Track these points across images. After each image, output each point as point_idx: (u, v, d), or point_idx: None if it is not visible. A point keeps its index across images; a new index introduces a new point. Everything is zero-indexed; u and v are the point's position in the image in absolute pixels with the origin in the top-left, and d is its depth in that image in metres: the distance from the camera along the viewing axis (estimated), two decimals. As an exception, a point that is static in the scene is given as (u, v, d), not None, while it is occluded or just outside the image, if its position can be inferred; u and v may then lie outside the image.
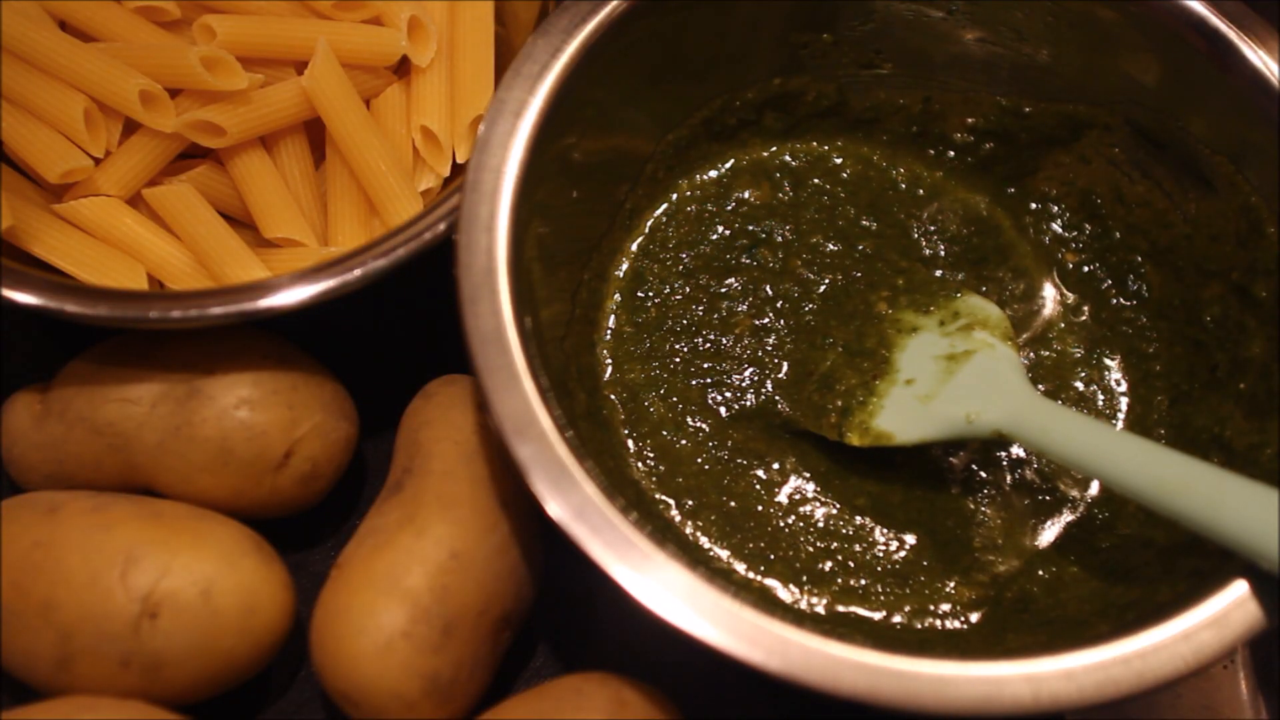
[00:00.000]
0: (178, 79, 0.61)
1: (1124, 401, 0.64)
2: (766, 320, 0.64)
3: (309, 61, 0.63)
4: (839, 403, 0.61)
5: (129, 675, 0.52)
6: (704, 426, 0.62)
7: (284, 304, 0.56)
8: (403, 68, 0.68)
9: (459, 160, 0.65)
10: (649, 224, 0.66)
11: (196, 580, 0.53)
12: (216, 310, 0.55)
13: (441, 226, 0.57)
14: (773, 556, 0.59)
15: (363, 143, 0.62)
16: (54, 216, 0.62)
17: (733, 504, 0.60)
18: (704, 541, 0.59)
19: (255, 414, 0.57)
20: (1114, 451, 0.52)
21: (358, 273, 0.56)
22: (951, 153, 0.68)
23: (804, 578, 0.58)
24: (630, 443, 0.61)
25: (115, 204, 0.62)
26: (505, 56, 0.67)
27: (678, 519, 0.59)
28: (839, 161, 0.68)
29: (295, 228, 0.62)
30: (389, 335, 0.69)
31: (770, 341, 0.64)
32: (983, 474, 0.62)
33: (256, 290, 0.56)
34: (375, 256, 0.57)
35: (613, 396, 0.62)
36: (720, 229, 0.66)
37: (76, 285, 0.57)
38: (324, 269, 0.56)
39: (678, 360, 0.63)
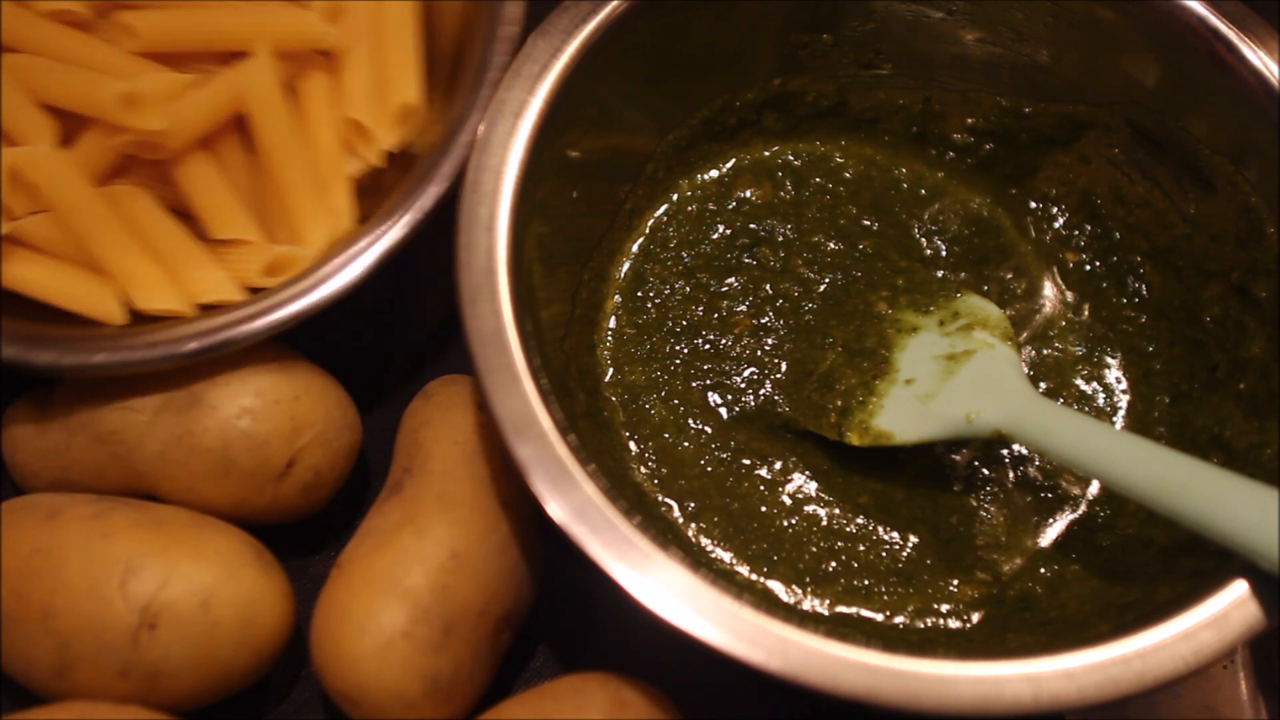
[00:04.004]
0: (93, 110, 0.59)
1: (1124, 400, 0.64)
2: (766, 320, 0.64)
3: (236, 51, 0.61)
4: (839, 402, 0.61)
5: (127, 684, 0.52)
6: (705, 429, 0.61)
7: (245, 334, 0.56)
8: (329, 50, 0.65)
9: (387, 148, 0.63)
10: (649, 224, 0.66)
11: (196, 591, 0.52)
12: (139, 356, 0.55)
13: (399, 234, 0.57)
14: (776, 558, 0.59)
15: (287, 158, 0.60)
16: (5, 242, 0.59)
17: (735, 505, 0.60)
18: (707, 544, 0.59)
19: (257, 424, 0.57)
20: (1114, 451, 0.52)
21: (298, 308, 0.56)
22: (952, 153, 0.68)
23: (807, 579, 0.58)
24: (632, 445, 0.61)
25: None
26: (433, 46, 0.65)
27: (680, 521, 0.59)
28: (841, 161, 0.68)
29: (242, 227, 0.60)
30: (389, 335, 0.69)
31: (770, 341, 0.64)
32: (985, 471, 0.62)
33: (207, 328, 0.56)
34: (320, 283, 0.56)
35: (613, 398, 0.62)
36: (721, 228, 0.66)
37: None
38: (274, 303, 0.56)
39: (678, 362, 0.63)
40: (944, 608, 0.58)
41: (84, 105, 0.59)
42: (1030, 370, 0.64)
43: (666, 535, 0.55)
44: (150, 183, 0.62)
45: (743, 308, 0.64)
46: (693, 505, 0.60)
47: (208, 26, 0.61)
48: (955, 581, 0.58)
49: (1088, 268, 0.66)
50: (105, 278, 0.59)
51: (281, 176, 0.61)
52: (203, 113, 0.60)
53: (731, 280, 0.65)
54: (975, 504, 0.61)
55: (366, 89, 0.63)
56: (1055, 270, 0.67)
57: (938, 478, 0.61)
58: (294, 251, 0.59)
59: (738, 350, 0.63)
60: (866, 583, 0.58)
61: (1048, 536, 0.60)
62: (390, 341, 0.69)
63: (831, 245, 0.66)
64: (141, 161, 0.62)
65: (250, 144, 0.63)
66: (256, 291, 0.58)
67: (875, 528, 0.60)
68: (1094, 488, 0.61)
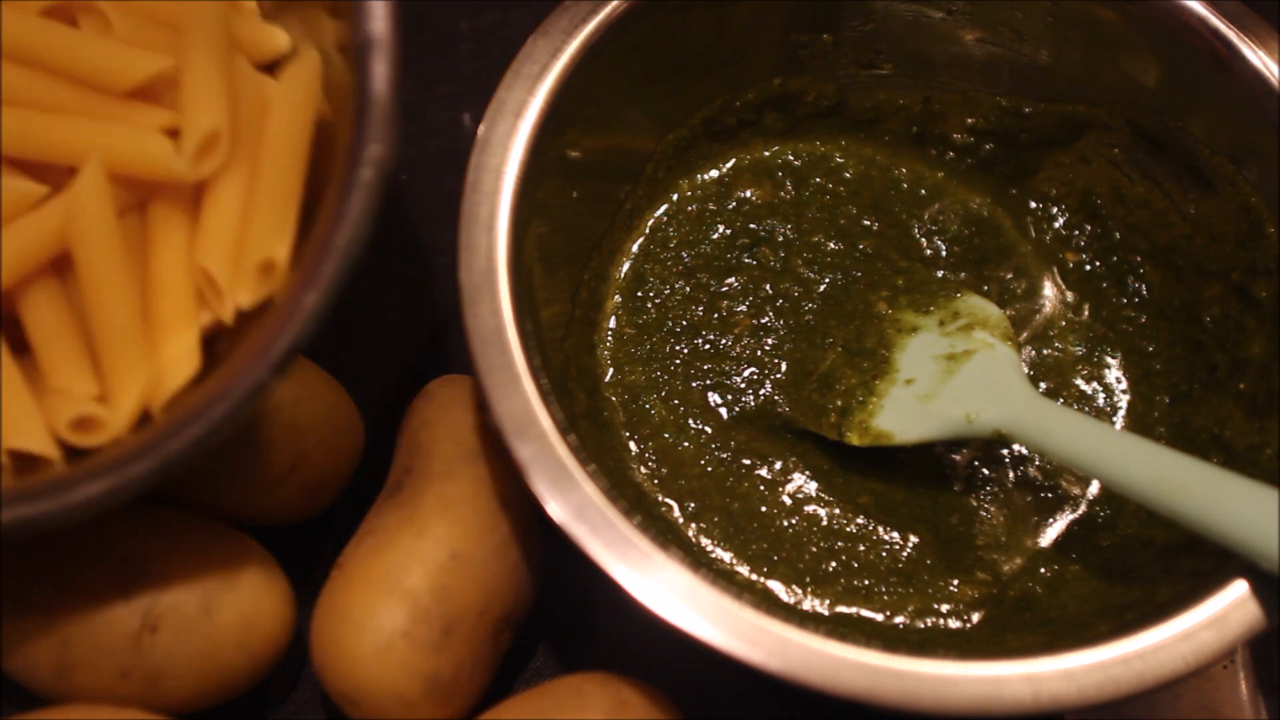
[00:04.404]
0: None
1: (1124, 400, 0.64)
2: (766, 320, 0.64)
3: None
4: (839, 402, 0.61)
5: (127, 686, 0.52)
6: (705, 429, 0.61)
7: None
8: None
9: (243, 306, 0.51)
10: (649, 224, 0.66)
11: (197, 593, 0.52)
12: None
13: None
14: (776, 558, 0.59)
15: (108, 302, 0.50)
16: None
17: (735, 505, 0.60)
18: (707, 544, 0.59)
19: (260, 429, 0.57)
20: (1114, 451, 0.52)
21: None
22: (952, 153, 0.68)
23: (807, 579, 0.58)
24: (632, 445, 0.61)
25: None
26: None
27: (680, 521, 0.59)
28: (841, 161, 0.68)
29: (78, 375, 0.50)
30: (389, 335, 0.69)
31: (770, 341, 0.64)
32: (985, 471, 0.62)
33: None
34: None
35: (613, 398, 0.62)
36: (721, 228, 0.66)
37: None
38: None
39: (678, 362, 0.63)
40: (944, 608, 0.58)
41: None
42: (1030, 370, 0.64)
43: (666, 535, 0.55)
44: None
45: (743, 308, 0.64)
46: (693, 505, 0.60)
47: (52, 135, 0.50)
48: (955, 581, 0.58)
49: (1088, 268, 0.66)
50: None
51: (100, 324, 0.50)
52: (27, 248, 0.50)
53: (731, 280, 0.65)
54: (975, 504, 0.61)
55: (226, 232, 0.51)
56: (1055, 270, 0.67)
57: (938, 478, 0.61)
58: (97, 413, 0.50)
59: (738, 350, 0.63)
60: (866, 583, 0.58)
61: (1048, 536, 0.60)
62: (390, 341, 0.69)
63: (831, 245, 0.66)
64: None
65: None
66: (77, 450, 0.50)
67: (875, 528, 0.60)
68: (1094, 488, 0.61)
